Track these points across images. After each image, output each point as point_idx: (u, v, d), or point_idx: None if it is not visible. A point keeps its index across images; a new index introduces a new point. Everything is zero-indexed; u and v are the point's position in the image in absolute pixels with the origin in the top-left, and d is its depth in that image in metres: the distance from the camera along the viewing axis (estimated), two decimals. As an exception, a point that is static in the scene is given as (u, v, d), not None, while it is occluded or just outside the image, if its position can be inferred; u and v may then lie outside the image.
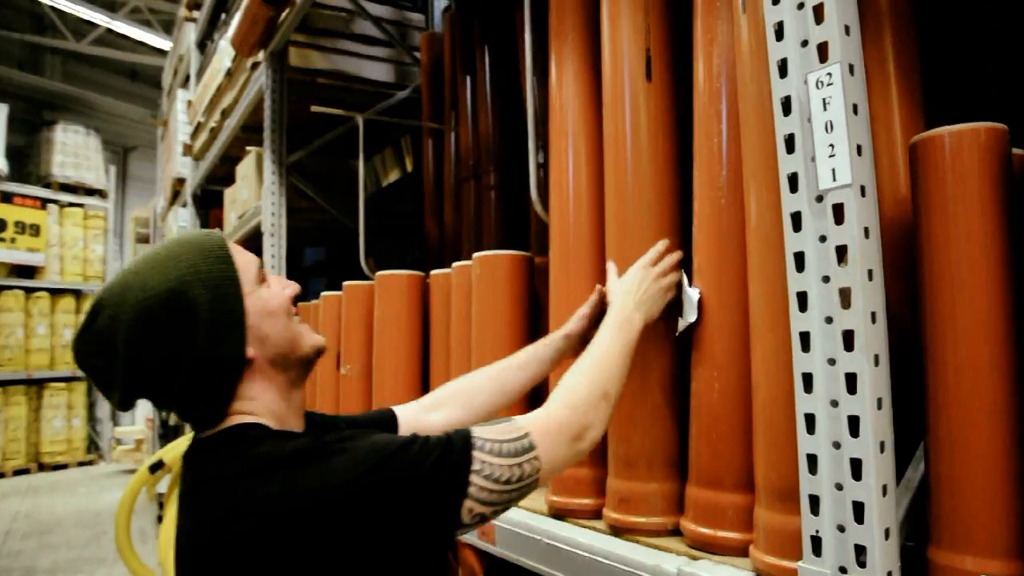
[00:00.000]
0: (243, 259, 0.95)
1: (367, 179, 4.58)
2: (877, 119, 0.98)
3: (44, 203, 9.63)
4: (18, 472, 8.62)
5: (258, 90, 3.18)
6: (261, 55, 3.08)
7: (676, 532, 1.12)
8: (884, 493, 0.73)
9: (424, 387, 2.01)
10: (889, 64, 1.02)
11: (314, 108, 2.74)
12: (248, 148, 3.52)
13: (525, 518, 1.32)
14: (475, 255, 1.67)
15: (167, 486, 4.69)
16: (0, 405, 8.85)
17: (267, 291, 0.95)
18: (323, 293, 2.57)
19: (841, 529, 0.75)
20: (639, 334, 1.07)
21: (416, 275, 2.06)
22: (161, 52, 10.07)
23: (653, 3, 1.21)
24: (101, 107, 10.87)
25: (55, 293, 9.55)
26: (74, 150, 10.12)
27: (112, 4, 9.96)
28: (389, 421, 1.21)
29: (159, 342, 0.86)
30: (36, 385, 9.25)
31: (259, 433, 0.89)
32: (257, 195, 3.33)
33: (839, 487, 0.76)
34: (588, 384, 0.96)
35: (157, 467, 4.16)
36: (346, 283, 2.32)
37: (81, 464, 9.37)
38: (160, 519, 5.21)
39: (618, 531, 1.16)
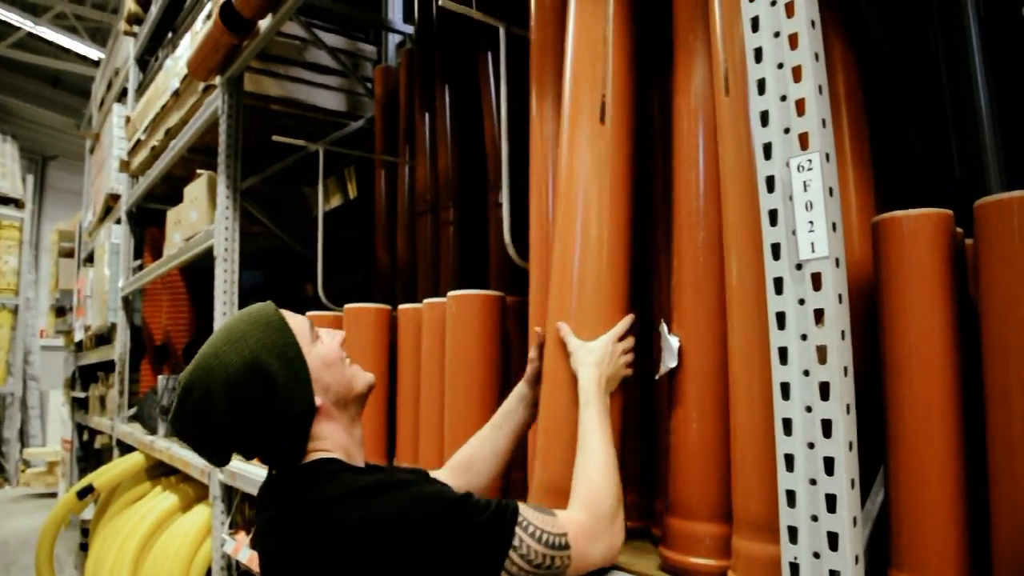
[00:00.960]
0: (296, 323, 1.10)
1: (310, 204, 4.61)
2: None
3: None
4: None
5: (212, 113, 3.18)
6: (217, 80, 3.08)
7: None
8: (854, 524, 0.85)
9: (391, 416, 2.06)
10: (846, 145, 1.17)
11: (275, 138, 2.78)
12: (199, 171, 3.50)
13: None
14: (451, 294, 1.75)
15: (93, 513, 4.51)
16: None
17: (321, 346, 1.10)
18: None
19: (817, 556, 0.87)
20: (606, 401, 1.18)
21: (384, 309, 2.12)
22: (86, 60, 9.78)
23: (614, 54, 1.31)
24: (20, 113, 10.45)
25: (-38, 305, 9.07)
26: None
27: (35, 8, 9.62)
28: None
29: (247, 408, 1.02)
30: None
31: (336, 467, 1.03)
32: (208, 218, 3.31)
33: (815, 519, 0.87)
34: (607, 488, 1.08)
35: (86, 492, 4.03)
36: (310, 313, 2.35)
37: (-18, 487, 8.86)
38: (84, 547, 4.98)
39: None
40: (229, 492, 2.89)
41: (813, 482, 0.88)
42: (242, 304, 3.64)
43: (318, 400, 1.07)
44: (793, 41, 0.93)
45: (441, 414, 1.74)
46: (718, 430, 1.13)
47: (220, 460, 1.08)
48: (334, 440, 1.08)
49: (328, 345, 1.11)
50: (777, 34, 0.95)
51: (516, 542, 0.95)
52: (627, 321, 1.25)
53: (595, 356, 1.19)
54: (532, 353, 1.37)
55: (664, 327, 1.22)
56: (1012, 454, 0.86)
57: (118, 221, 5.23)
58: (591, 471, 1.08)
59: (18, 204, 9.85)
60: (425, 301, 1.93)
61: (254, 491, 2.59)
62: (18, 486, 8.75)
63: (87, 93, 7.62)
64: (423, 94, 2.84)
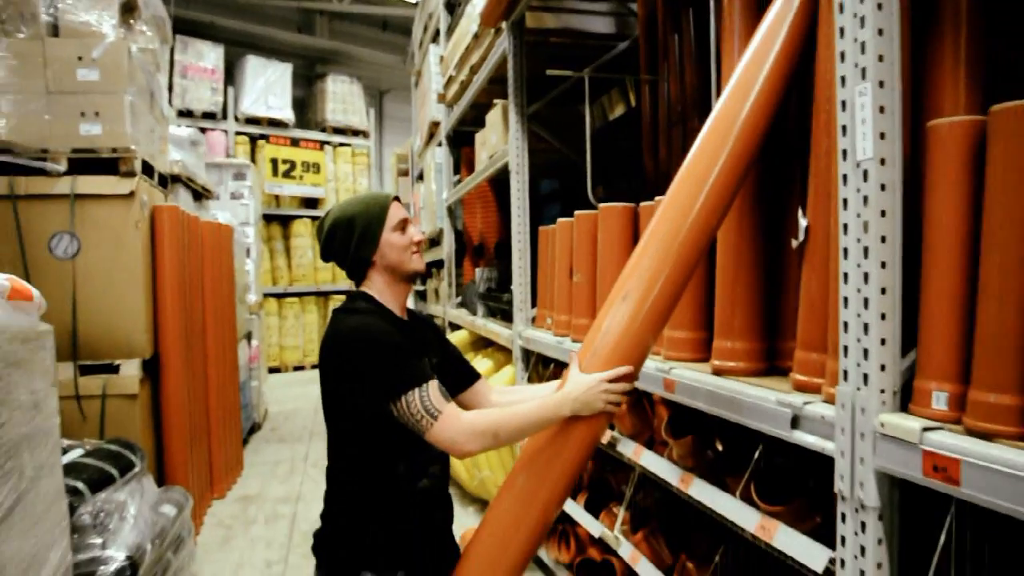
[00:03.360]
0: (394, 212, 1.69)
1: (595, 115, 5.18)
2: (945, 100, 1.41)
3: (321, 145, 11.42)
4: (316, 367, 10.63)
5: (501, 53, 3.89)
6: (503, 24, 3.76)
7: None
8: (882, 343, 1.26)
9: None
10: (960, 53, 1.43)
11: (549, 71, 3.39)
12: (495, 101, 4.27)
13: (700, 378, 1.93)
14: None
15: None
16: (299, 312, 10.91)
17: (397, 235, 1.68)
18: (559, 220, 3.26)
19: (858, 365, 1.29)
20: (565, 415, 1.58)
21: (629, 207, 2.66)
22: (408, 3, 11.25)
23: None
24: (360, 57, 12.41)
25: (335, 220, 11.37)
26: (342, 97, 11.78)
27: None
28: (469, 375, 1.88)
29: (340, 239, 1.66)
30: (323, 296, 11.24)
31: (364, 296, 1.67)
32: (504, 140, 4.08)
33: (858, 340, 1.29)
34: (495, 425, 1.53)
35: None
36: (577, 212, 2.99)
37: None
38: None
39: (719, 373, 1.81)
40: (527, 354, 3.74)
41: (858, 315, 1.29)
42: (537, 207, 4.43)
43: (375, 258, 1.66)
44: (860, -4, 1.27)
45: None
46: (825, 284, 1.52)
47: (348, 271, 1.69)
48: (376, 285, 1.69)
49: (404, 236, 1.68)
50: (851, -8, 1.29)
51: (411, 395, 1.49)
52: (623, 370, 1.60)
53: (577, 383, 1.60)
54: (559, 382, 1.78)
55: (800, 212, 1.62)
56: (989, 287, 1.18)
57: (439, 144, 6.35)
58: (499, 417, 1.55)
59: (365, 135, 11.94)
60: (656, 198, 2.43)
61: (544, 352, 3.38)
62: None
63: (409, 31, 8.95)
64: (672, 15, 3.22)
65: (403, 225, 1.70)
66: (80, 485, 2.71)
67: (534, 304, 3.78)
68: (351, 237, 1.65)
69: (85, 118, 3.57)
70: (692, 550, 2.29)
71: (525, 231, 3.84)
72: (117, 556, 2.64)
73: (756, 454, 1.80)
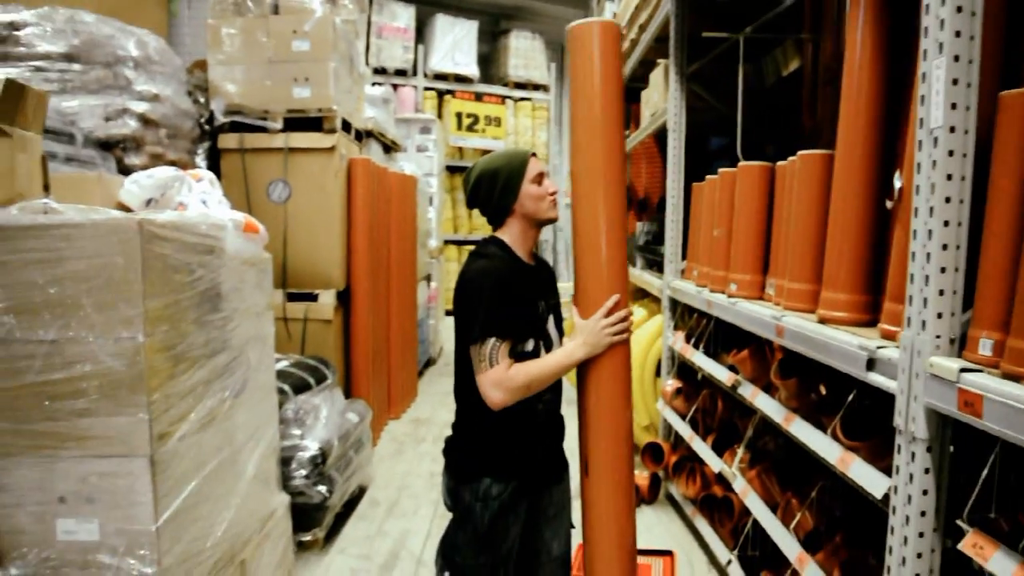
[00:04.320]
0: (533, 167, 1.90)
1: (769, 70, 5.15)
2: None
3: (503, 99, 11.92)
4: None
5: (665, 14, 4.03)
6: (668, -16, 3.89)
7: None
8: (941, 294, 1.40)
9: (766, 251, 2.77)
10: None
11: (705, 34, 3.52)
12: (659, 60, 4.42)
13: (804, 324, 2.09)
14: (800, 153, 2.36)
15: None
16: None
17: (535, 187, 1.89)
18: (707, 177, 3.42)
19: (924, 303, 1.44)
20: (579, 360, 1.84)
21: (765, 166, 2.78)
22: (592, -44, 11.32)
23: None
24: (542, 12, 12.67)
25: (513, 173, 11.90)
26: (524, 53, 12.17)
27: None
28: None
29: (485, 189, 1.90)
30: (501, 245, 11.85)
31: (497, 242, 1.91)
32: (664, 99, 4.24)
33: (926, 280, 1.44)
34: (527, 380, 1.78)
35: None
36: (721, 170, 3.14)
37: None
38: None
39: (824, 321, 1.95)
40: (674, 303, 3.95)
41: (922, 268, 1.44)
42: (707, 163, 4.53)
43: (515, 206, 1.87)
44: (940, -21, 1.39)
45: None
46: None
47: (489, 217, 1.93)
48: (512, 232, 1.90)
49: (540, 187, 1.88)
50: (935, -27, 1.41)
51: (488, 342, 1.76)
52: (611, 302, 1.83)
53: (583, 332, 1.85)
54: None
55: (897, 174, 1.74)
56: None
57: (610, 100, 6.54)
58: (532, 369, 1.80)
59: (545, 89, 12.28)
60: (793, 158, 2.54)
61: (687, 301, 3.59)
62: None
63: (591, -14, 9.08)
64: (832, -28, 3.22)
65: (540, 178, 1.94)
66: (286, 387, 3.34)
67: (684, 257, 3.97)
68: (495, 187, 1.87)
69: (297, 83, 4.20)
70: (798, 488, 2.46)
71: (679, 187, 4.01)
72: (311, 446, 3.25)
73: (849, 397, 1.95)
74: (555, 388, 1.99)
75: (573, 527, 2.09)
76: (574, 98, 1.91)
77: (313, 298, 4.39)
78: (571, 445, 2.04)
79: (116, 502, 1.80)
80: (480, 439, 1.93)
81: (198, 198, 2.62)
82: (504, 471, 1.90)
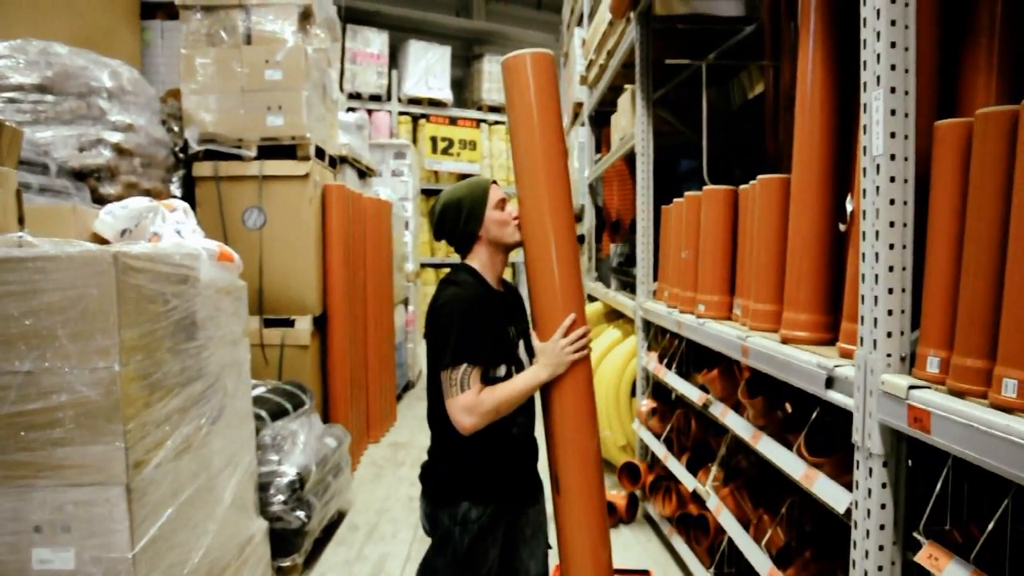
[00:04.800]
0: (494, 193, 1.97)
1: (735, 94, 5.27)
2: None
3: (478, 123, 12.04)
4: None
5: (630, 42, 4.14)
6: (631, 15, 4.00)
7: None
8: (889, 314, 1.47)
9: (732, 273, 2.85)
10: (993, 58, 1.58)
11: (668, 60, 3.61)
12: (626, 85, 4.52)
13: (767, 344, 2.16)
14: (759, 178, 2.44)
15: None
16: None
17: (499, 212, 1.95)
18: (674, 200, 3.50)
19: (875, 323, 1.51)
20: (544, 380, 1.89)
21: (729, 190, 2.87)
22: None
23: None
24: (514, 37, 12.86)
25: (489, 195, 12.01)
26: (497, 77, 12.30)
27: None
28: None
29: (451, 219, 1.96)
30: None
31: (467, 269, 1.96)
32: (632, 123, 4.34)
33: (875, 301, 1.51)
34: (496, 404, 1.83)
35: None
36: (686, 194, 3.22)
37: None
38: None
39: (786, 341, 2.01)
40: (647, 324, 4.02)
41: (871, 289, 1.51)
42: (676, 186, 4.63)
43: (480, 232, 1.93)
44: (877, 15, 1.48)
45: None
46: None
47: (456, 246, 1.99)
48: (480, 258, 1.96)
49: (503, 213, 1.94)
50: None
51: (460, 368, 1.80)
52: (567, 322, 1.89)
53: (544, 354, 1.91)
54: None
55: (848, 198, 1.82)
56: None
57: (583, 124, 6.65)
58: (500, 393, 1.84)
59: (521, 112, 12.40)
60: (751, 181, 2.63)
61: (658, 322, 3.65)
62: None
63: (560, 9, 9.27)
64: (789, 4, 3.33)
65: (502, 204, 2.00)
66: (263, 413, 3.35)
67: (656, 278, 4.04)
68: (460, 216, 1.94)
69: (271, 111, 4.24)
70: (770, 505, 2.52)
71: (649, 209, 4.10)
72: (289, 471, 3.26)
73: (813, 415, 2.02)
74: (528, 411, 2.03)
75: (550, 547, 2.12)
76: (513, 129, 1.97)
77: (290, 324, 4.40)
78: (545, 466, 2.08)
79: (92, 530, 1.81)
80: (457, 464, 1.96)
81: (172, 228, 2.65)
82: (482, 495, 1.93)
